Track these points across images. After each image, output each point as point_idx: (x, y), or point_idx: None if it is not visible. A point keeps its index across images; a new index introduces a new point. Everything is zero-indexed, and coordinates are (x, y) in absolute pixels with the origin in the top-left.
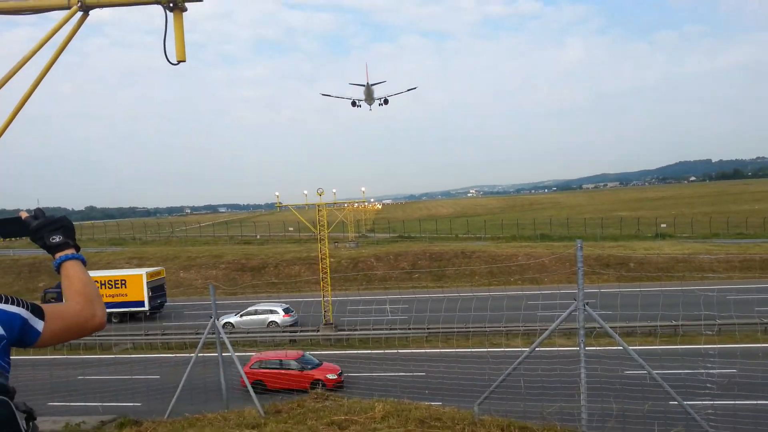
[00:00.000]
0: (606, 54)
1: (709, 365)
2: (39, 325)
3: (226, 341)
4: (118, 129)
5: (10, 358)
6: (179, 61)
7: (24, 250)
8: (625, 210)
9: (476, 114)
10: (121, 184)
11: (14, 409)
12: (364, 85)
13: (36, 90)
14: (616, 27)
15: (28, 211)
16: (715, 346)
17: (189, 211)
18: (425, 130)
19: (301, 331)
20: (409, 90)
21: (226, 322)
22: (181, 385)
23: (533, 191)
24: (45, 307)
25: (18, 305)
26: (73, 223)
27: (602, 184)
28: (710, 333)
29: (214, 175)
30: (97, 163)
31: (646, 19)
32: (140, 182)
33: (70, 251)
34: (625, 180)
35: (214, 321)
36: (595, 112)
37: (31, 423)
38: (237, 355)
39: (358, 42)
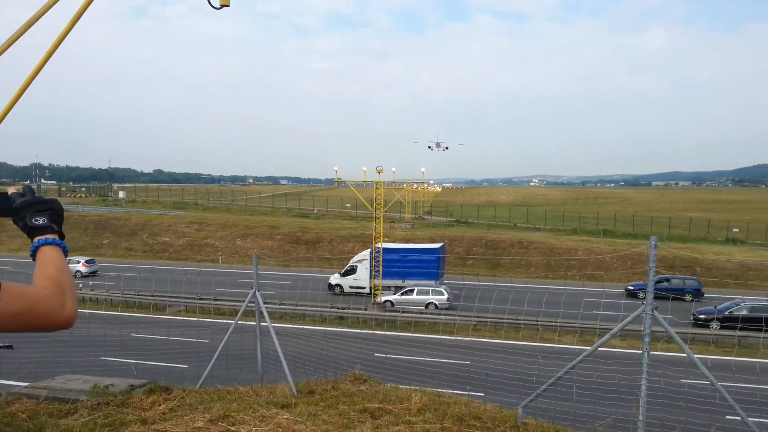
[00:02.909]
0: (689, 44)
1: None
2: None
3: (264, 312)
4: (190, 96)
5: None
6: (222, 5)
7: (91, 207)
8: (696, 211)
9: (546, 100)
10: (189, 149)
11: None
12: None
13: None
14: (703, 16)
15: (16, 188)
16: None
17: (252, 180)
18: (491, 113)
19: (349, 308)
20: (460, 144)
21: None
22: (216, 354)
23: (599, 184)
24: (5, 283)
25: None
26: (141, 185)
27: (673, 182)
28: None
29: (279, 146)
30: (167, 127)
31: (734, 10)
32: (208, 149)
33: (52, 236)
34: (698, 180)
35: (255, 290)
36: (673, 105)
37: None
38: (282, 326)
39: (432, 20)
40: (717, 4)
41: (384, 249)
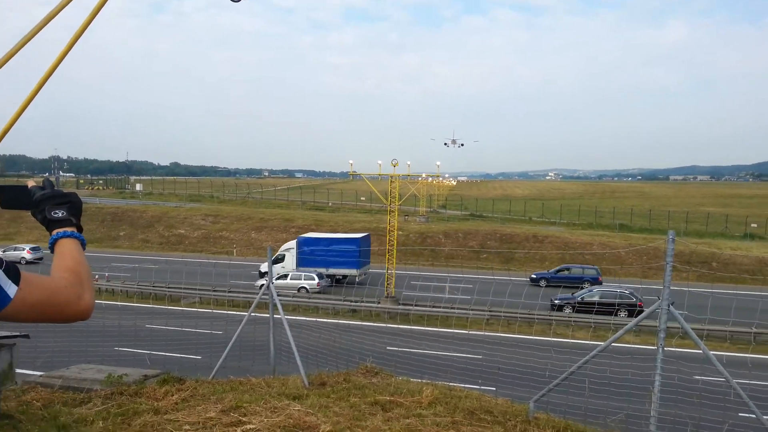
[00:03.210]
0: (709, 37)
1: None
2: (11, 289)
3: (278, 304)
4: (206, 90)
5: None
6: None
7: (108, 200)
8: (714, 206)
9: (563, 93)
10: (205, 143)
11: None
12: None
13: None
14: (722, 9)
15: (36, 181)
16: None
17: (267, 174)
18: (508, 107)
19: (362, 301)
20: (475, 141)
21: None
22: (229, 346)
23: (616, 179)
24: (24, 273)
25: None
26: (158, 177)
27: (691, 176)
28: None
29: (294, 140)
30: (184, 122)
31: (755, 2)
32: (224, 142)
33: (70, 229)
34: (716, 174)
35: (269, 283)
36: (691, 98)
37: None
38: (295, 319)
39: (449, 13)
40: None
41: (308, 239)
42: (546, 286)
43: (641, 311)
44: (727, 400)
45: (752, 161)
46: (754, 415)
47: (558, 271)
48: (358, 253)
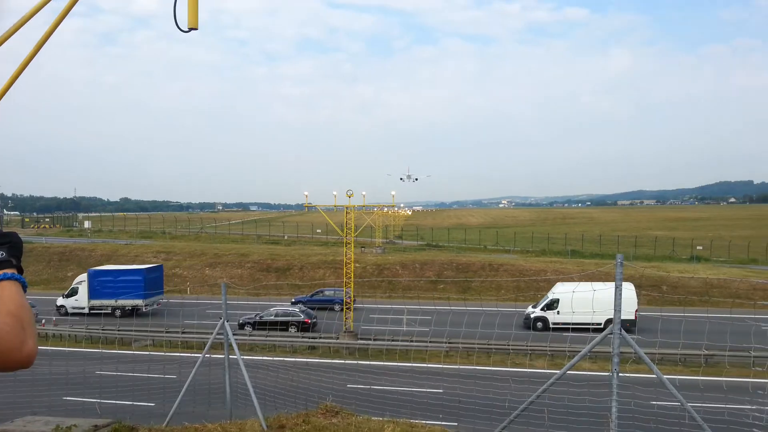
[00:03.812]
0: (651, 65)
1: (759, 402)
2: None
3: (233, 343)
4: (158, 123)
5: None
6: (191, 29)
7: (56, 238)
8: (661, 229)
9: (514, 122)
10: (157, 177)
11: None
12: (404, 177)
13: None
14: (664, 38)
15: None
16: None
17: (221, 207)
18: (460, 135)
19: (320, 338)
20: (428, 176)
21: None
22: (183, 390)
23: (566, 204)
24: None
25: None
26: (107, 214)
27: (639, 201)
28: (759, 368)
29: (248, 172)
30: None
31: (695, 32)
32: (176, 176)
33: (10, 270)
34: (662, 198)
35: (223, 321)
36: (636, 126)
37: None
38: (252, 358)
39: (401, 44)
40: (677, 26)
41: (99, 271)
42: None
43: (307, 327)
44: (683, 424)
45: (696, 184)
46: None
47: (313, 294)
48: (143, 284)
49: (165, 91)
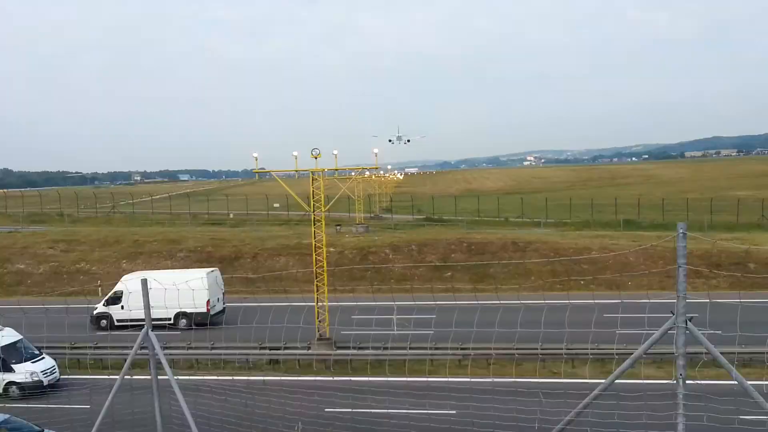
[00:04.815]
0: None
1: None
2: None
3: (163, 360)
4: (45, 66)
5: None
6: None
7: None
8: (746, 188)
9: (540, 50)
10: (48, 141)
11: None
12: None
13: None
14: None
15: None
16: None
17: (139, 178)
18: (467, 73)
19: (284, 348)
20: (422, 137)
21: None
22: (97, 424)
23: (615, 159)
24: None
25: None
26: None
27: (713, 151)
28: None
29: (175, 130)
30: (15, 112)
31: None
32: (73, 138)
33: None
34: (746, 146)
35: (146, 330)
36: (709, 48)
37: None
38: (190, 379)
39: None
40: None
41: None
42: None
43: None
44: None
45: None
46: None
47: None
48: None
49: (55, 21)
